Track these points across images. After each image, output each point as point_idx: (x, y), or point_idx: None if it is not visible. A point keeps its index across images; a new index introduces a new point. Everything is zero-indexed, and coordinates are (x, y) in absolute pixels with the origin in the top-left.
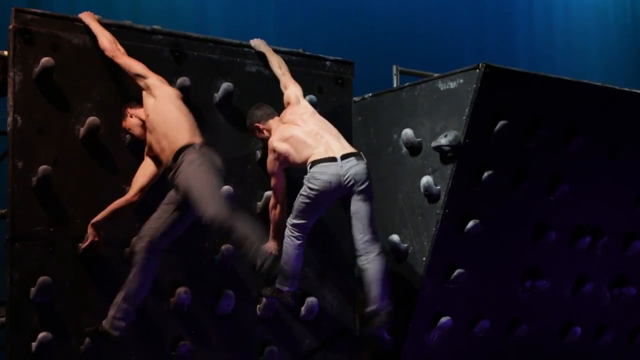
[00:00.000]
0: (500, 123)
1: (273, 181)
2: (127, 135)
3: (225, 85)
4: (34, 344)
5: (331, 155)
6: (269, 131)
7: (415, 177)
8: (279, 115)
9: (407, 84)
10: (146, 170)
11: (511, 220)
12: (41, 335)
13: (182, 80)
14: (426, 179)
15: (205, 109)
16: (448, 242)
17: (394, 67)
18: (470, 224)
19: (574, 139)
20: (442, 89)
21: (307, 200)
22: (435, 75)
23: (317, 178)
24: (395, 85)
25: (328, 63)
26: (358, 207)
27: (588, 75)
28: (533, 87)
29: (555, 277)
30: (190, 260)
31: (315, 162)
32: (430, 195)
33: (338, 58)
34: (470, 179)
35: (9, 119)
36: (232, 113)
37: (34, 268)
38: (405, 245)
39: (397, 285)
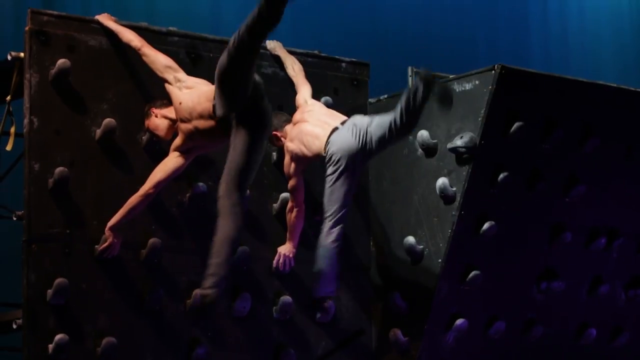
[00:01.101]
0: (516, 124)
1: (290, 183)
2: (145, 136)
3: None
4: (50, 346)
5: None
6: (285, 137)
7: (431, 179)
8: (288, 122)
9: None
10: (167, 166)
11: (527, 222)
12: (58, 337)
13: None
14: (442, 181)
15: None
16: (464, 244)
17: (410, 69)
18: (486, 225)
19: (589, 140)
20: (457, 90)
21: (333, 181)
22: (451, 76)
23: (334, 144)
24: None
25: (343, 64)
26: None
27: (603, 76)
28: (548, 88)
29: (570, 278)
30: (206, 262)
31: (326, 144)
32: (446, 197)
33: (354, 59)
34: (486, 180)
35: (25, 121)
36: None
37: (51, 270)
38: (421, 246)
39: (412, 287)
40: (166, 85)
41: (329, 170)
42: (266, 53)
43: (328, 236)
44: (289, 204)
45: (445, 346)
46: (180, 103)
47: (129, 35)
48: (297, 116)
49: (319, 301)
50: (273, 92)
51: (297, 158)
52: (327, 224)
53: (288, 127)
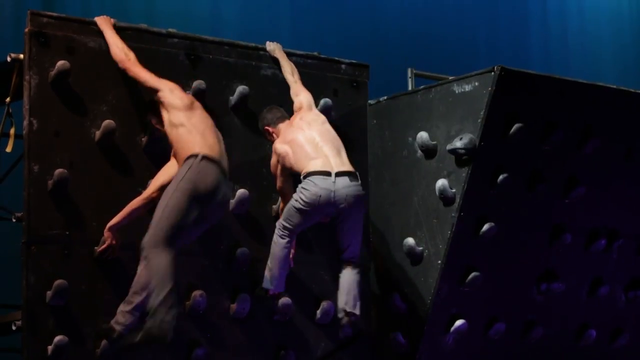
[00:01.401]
0: (516, 126)
1: (278, 183)
2: (145, 137)
3: (241, 89)
4: (50, 348)
5: (327, 169)
6: (278, 135)
7: (431, 180)
8: (289, 119)
9: (422, 87)
10: (170, 169)
11: (526, 223)
12: (57, 338)
13: (198, 83)
14: (441, 182)
15: (221, 112)
16: (463, 245)
17: (409, 70)
18: (486, 226)
19: (589, 141)
20: (457, 92)
21: (295, 210)
22: (451, 78)
23: (307, 189)
24: (410, 88)
25: (343, 66)
26: (348, 226)
27: (603, 77)
28: (548, 89)
29: (570, 279)
30: (205, 264)
31: (309, 174)
32: (446, 198)
33: (353, 61)
34: (485, 181)
35: (25, 123)
36: (247, 116)
37: (50, 271)
38: (421, 248)
39: (412, 288)
40: (160, 94)
41: (294, 200)
42: (266, 54)
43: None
44: (280, 204)
45: (445, 347)
46: (165, 129)
47: (117, 53)
48: (296, 119)
49: (271, 296)
50: (272, 93)
51: (282, 162)
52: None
53: (282, 126)
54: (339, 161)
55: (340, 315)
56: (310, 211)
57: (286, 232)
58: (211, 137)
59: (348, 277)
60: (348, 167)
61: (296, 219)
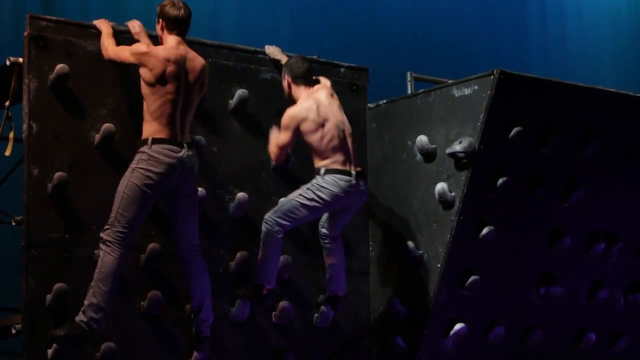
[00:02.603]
0: (515, 129)
1: (283, 139)
2: None
3: (240, 92)
4: (49, 351)
5: (347, 169)
6: (294, 93)
7: (430, 184)
8: (310, 86)
9: (421, 90)
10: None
11: (526, 227)
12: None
13: None
14: (441, 186)
15: (220, 115)
16: (463, 249)
17: (409, 74)
18: (485, 230)
19: (588, 144)
20: (456, 95)
21: (302, 206)
22: (450, 81)
23: (328, 188)
24: (409, 91)
25: (342, 69)
26: (345, 218)
27: (602, 81)
28: (547, 93)
29: (570, 283)
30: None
31: (330, 171)
32: (445, 202)
33: (352, 64)
34: (485, 185)
35: (24, 126)
36: (246, 120)
37: (50, 275)
38: (420, 251)
39: (411, 292)
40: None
41: (306, 197)
42: (265, 58)
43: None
44: (274, 151)
45: (444, 351)
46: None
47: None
48: (321, 93)
49: (263, 295)
50: (271, 97)
51: (303, 127)
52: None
53: (302, 88)
54: (352, 163)
55: (329, 294)
56: (324, 209)
57: (281, 228)
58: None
59: (337, 254)
60: (359, 168)
61: (301, 214)
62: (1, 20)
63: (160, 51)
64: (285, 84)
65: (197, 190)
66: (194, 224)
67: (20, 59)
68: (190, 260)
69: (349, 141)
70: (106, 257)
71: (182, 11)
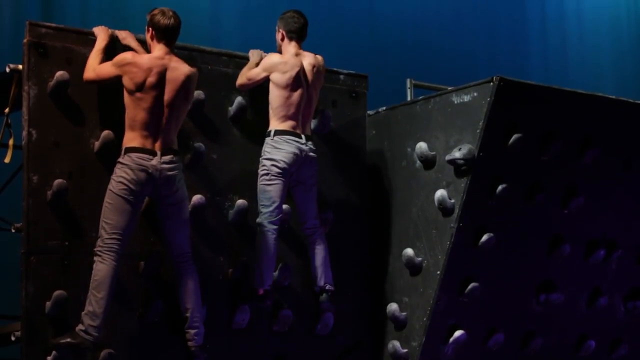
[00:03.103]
0: (515, 136)
1: (253, 75)
2: None
3: (240, 99)
4: (49, 358)
5: (298, 132)
6: (283, 48)
7: (430, 191)
8: (298, 43)
9: (421, 97)
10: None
11: (526, 234)
12: None
13: (197, 94)
14: (440, 193)
15: (220, 122)
16: (462, 256)
17: (408, 81)
18: (485, 237)
19: (588, 151)
20: (456, 102)
21: (270, 181)
22: (449, 88)
23: (278, 148)
24: (409, 98)
25: (342, 77)
26: (306, 198)
27: (601, 87)
28: (547, 100)
29: (569, 290)
30: (205, 275)
31: (280, 132)
32: (445, 209)
33: (352, 72)
34: (484, 192)
35: (24, 133)
36: (246, 127)
37: (49, 282)
38: (420, 259)
39: (411, 299)
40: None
41: (265, 169)
42: None
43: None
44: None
45: (444, 358)
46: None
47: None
48: (303, 60)
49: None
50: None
51: (268, 71)
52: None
53: (286, 44)
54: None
55: (317, 290)
56: (283, 174)
57: (271, 223)
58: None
59: (319, 252)
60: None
61: (271, 190)
62: (1, 27)
63: (145, 60)
64: (278, 36)
65: (184, 199)
66: (182, 232)
67: (20, 66)
68: (179, 268)
69: (310, 117)
70: (97, 265)
71: (171, 20)
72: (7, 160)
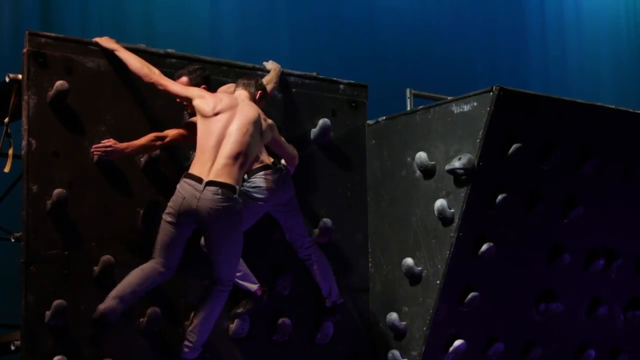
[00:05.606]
0: (514, 146)
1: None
2: (144, 157)
3: None
4: None
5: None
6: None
7: (429, 200)
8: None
9: (420, 107)
10: (182, 131)
11: (525, 243)
12: (56, 359)
13: None
14: (440, 202)
15: None
16: (462, 265)
17: (408, 90)
18: (485, 247)
19: (588, 161)
20: (455, 112)
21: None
22: (449, 98)
23: (260, 186)
24: (408, 108)
25: (342, 86)
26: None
27: (601, 97)
28: (547, 109)
29: (569, 299)
30: (205, 284)
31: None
32: (444, 219)
33: (352, 81)
34: (484, 202)
35: (24, 143)
36: None
37: (49, 291)
38: (420, 268)
39: (411, 308)
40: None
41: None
42: (264, 74)
43: None
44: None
45: None
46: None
47: (138, 68)
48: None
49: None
50: (271, 113)
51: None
52: None
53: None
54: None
55: (329, 305)
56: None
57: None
58: (215, 150)
59: (322, 266)
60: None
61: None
62: (0, 36)
63: (218, 93)
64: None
65: (235, 234)
66: (226, 264)
67: (20, 76)
68: (213, 289)
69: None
70: (148, 263)
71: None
72: (6, 169)
